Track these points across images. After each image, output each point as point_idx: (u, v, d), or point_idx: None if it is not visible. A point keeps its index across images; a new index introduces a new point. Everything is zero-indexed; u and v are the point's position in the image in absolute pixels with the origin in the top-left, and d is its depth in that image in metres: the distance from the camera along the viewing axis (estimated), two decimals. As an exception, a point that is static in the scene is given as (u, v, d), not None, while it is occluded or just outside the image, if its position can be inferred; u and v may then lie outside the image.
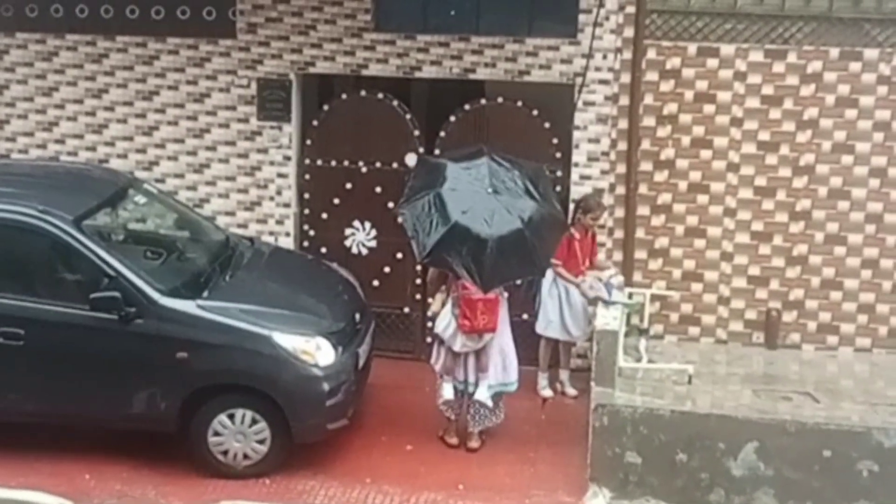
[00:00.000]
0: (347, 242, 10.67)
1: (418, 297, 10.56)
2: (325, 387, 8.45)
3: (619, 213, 10.13)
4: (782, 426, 8.17)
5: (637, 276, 10.18)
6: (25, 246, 8.58)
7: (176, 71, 10.66)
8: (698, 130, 10.01)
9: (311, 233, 10.79)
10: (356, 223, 10.64)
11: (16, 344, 8.35)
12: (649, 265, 10.24)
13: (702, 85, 9.95)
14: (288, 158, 10.61)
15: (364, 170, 10.54)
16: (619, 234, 10.17)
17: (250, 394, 8.42)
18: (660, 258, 10.23)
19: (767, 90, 9.88)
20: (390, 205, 9.83)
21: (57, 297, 8.45)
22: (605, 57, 9.91)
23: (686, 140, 10.04)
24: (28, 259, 8.66)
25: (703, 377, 9.33)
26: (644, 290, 10.02)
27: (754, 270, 10.16)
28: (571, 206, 9.93)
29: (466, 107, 10.30)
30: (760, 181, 10.01)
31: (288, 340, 8.42)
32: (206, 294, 8.62)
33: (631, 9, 9.79)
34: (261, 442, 8.50)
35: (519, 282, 9.42)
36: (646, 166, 10.08)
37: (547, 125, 10.18)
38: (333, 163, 10.61)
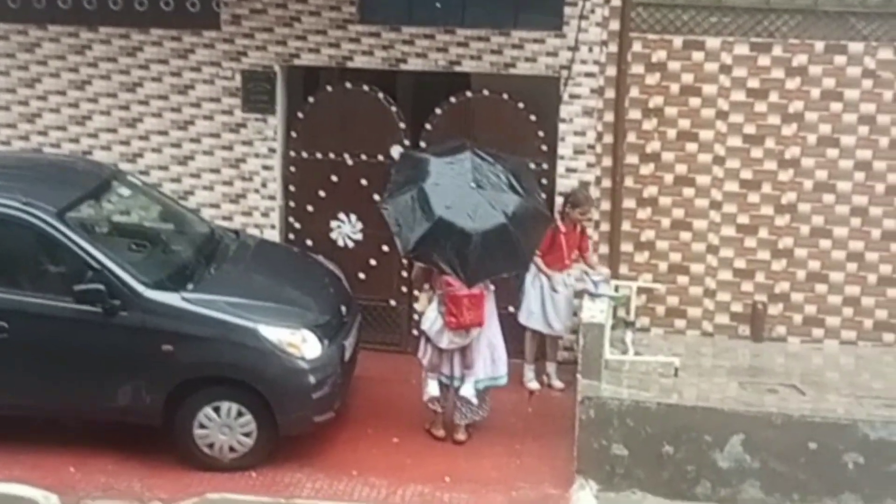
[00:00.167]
0: (333, 235, 10.64)
1: (404, 289, 10.54)
2: (312, 379, 8.44)
3: (606, 205, 10.12)
4: (768, 418, 8.21)
5: (623, 269, 10.17)
6: (9, 238, 8.51)
7: (160, 62, 10.59)
8: (684, 123, 10.01)
9: (297, 225, 10.74)
10: (342, 216, 10.60)
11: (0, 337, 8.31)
12: (635, 258, 10.24)
13: (687, 78, 9.95)
14: (273, 151, 10.57)
15: (350, 162, 10.51)
16: (605, 226, 10.16)
17: (236, 386, 8.39)
18: (646, 251, 10.24)
19: (753, 83, 9.89)
20: (376, 197, 9.80)
21: (41, 290, 8.42)
22: (590, 50, 9.91)
23: (672, 133, 10.04)
24: (12, 252, 8.59)
25: (689, 370, 9.34)
26: (630, 282, 10.03)
27: (740, 263, 10.17)
28: (558, 199, 9.93)
29: (452, 99, 10.28)
30: (746, 174, 10.02)
31: (274, 333, 8.40)
32: (191, 286, 8.59)
33: (616, 2, 9.79)
34: (247, 434, 8.48)
35: (505, 275, 9.41)
36: (632, 159, 10.08)
37: (533, 118, 10.17)
38: (319, 155, 10.57)
